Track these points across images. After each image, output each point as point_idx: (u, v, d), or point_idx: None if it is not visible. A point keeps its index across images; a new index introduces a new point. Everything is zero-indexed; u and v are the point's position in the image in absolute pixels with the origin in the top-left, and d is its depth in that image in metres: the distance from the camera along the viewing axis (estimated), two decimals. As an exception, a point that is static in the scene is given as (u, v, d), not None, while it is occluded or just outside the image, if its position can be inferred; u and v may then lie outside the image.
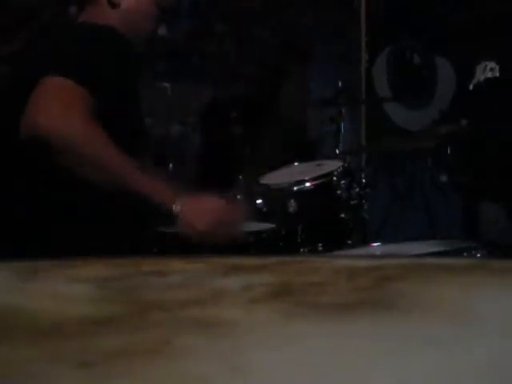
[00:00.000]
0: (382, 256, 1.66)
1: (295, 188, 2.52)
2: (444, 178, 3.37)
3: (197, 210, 1.63)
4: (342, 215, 2.58)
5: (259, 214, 2.51)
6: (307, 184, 2.53)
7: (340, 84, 3.18)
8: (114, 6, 1.84)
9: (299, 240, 2.49)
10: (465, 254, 1.90)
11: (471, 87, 2.73)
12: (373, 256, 1.78)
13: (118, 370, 0.33)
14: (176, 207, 1.60)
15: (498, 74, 2.65)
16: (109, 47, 1.72)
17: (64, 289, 0.51)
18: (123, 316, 0.42)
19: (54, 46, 1.74)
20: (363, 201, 2.65)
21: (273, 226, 2.30)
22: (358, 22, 4.17)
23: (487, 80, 2.68)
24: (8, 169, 1.79)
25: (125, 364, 0.33)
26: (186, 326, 0.40)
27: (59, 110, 1.54)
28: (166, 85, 3.08)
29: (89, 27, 1.79)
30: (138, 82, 1.84)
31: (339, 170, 2.57)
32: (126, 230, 1.79)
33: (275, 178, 2.64)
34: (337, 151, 3.04)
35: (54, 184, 1.72)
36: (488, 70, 2.67)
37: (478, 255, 1.88)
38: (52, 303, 0.46)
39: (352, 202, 2.60)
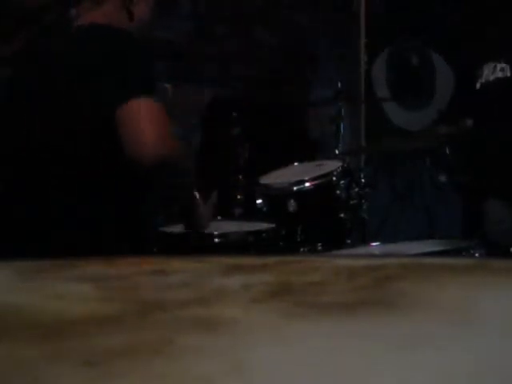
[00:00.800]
0: (382, 256, 1.66)
1: (295, 188, 2.52)
2: (443, 178, 3.37)
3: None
4: (342, 215, 2.58)
5: (259, 214, 2.51)
6: (307, 184, 2.53)
7: (339, 85, 3.18)
8: (131, 16, 1.84)
9: (299, 240, 2.49)
10: (463, 253, 1.90)
11: (478, 86, 2.73)
12: (372, 256, 1.78)
13: (120, 369, 0.33)
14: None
15: (509, 74, 2.66)
16: (151, 59, 1.79)
17: (65, 288, 0.51)
18: (125, 315, 0.42)
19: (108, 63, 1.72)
20: (363, 201, 2.65)
21: (273, 225, 2.30)
22: (357, 23, 4.16)
23: (498, 80, 2.68)
24: (9, 169, 1.80)
25: (126, 363, 0.33)
26: (186, 325, 0.40)
27: (165, 133, 1.65)
28: (167, 85, 3.08)
29: (129, 38, 1.78)
30: None
31: (339, 170, 2.57)
32: (127, 229, 1.79)
33: (275, 178, 2.64)
34: (336, 151, 3.04)
35: (55, 184, 1.72)
36: (498, 70, 2.67)
37: (477, 255, 1.88)
38: (54, 303, 0.46)
39: (351, 202, 2.60)
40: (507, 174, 2.64)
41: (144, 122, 1.62)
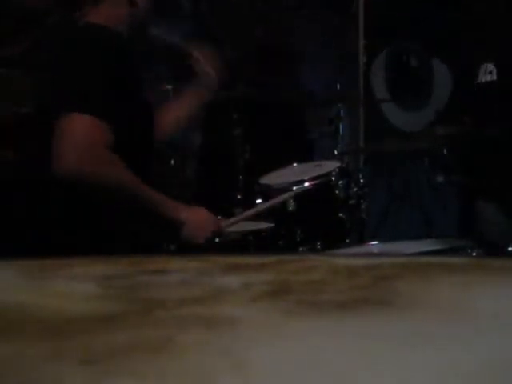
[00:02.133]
0: (380, 255, 1.66)
1: (294, 188, 2.52)
2: (440, 179, 3.37)
3: (197, 221, 1.85)
4: (340, 215, 2.58)
5: (259, 214, 2.51)
6: (306, 184, 2.53)
7: (339, 86, 3.18)
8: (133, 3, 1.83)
9: (298, 239, 2.49)
10: (460, 252, 1.90)
11: (474, 87, 2.73)
12: (371, 255, 1.78)
13: (121, 366, 0.33)
14: (182, 216, 1.80)
15: (495, 78, 2.66)
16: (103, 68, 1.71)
17: (68, 287, 0.51)
18: (126, 314, 0.42)
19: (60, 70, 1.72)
20: (361, 200, 2.65)
21: (272, 225, 2.30)
22: (356, 24, 4.16)
23: (487, 81, 2.68)
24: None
25: (127, 361, 0.33)
26: (187, 323, 0.40)
27: (86, 151, 1.62)
28: (168, 87, 3.08)
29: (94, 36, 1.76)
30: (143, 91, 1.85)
31: (337, 171, 2.58)
32: (128, 229, 1.79)
33: (275, 178, 2.64)
34: (335, 152, 3.04)
35: (57, 185, 1.72)
36: (487, 72, 2.67)
37: (474, 254, 1.88)
38: (56, 301, 0.46)
39: (350, 202, 2.60)
40: (499, 176, 2.64)
41: (66, 136, 1.62)
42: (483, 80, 2.69)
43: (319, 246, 2.49)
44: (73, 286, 0.51)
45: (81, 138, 1.62)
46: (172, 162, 3.02)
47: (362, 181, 2.70)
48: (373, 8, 4.14)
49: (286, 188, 2.53)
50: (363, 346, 0.35)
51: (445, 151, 2.83)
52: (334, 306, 0.42)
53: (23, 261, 0.61)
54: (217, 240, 1.94)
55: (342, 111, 3.14)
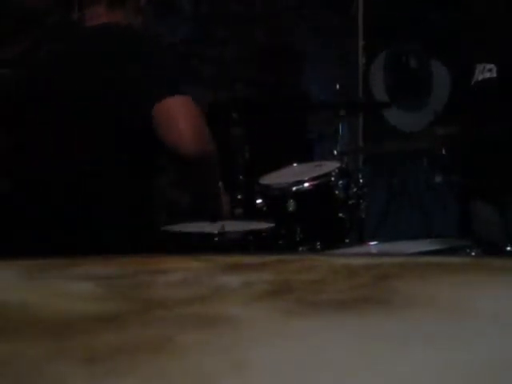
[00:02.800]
0: (380, 254, 1.66)
1: (294, 188, 2.52)
2: (439, 179, 3.37)
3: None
4: (340, 214, 2.58)
5: (259, 214, 2.51)
6: (306, 184, 2.53)
7: (338, 87, 3.18)
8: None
9: (298, 239, 2.49)
10: (459, 252, 1.89)
11: (471, 87, 2.73)
12: (370, 254, 1.78)
13: (122, 365, 0.33)
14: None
15: (495, 75, 2.66)
16: (176, 57, 1.91)
17: (69, 287, 0.51)
18: (127, 313, 0.42)
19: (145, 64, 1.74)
20: (360, 200, 2.65)
21: (272, 225, 2.30)
22: (355, 26, 4.17)
23: (484, 80, 2.68)
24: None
25: (128, 360, 0.33)
26: (187, 322, 0.40)
27: (200, 125, 1.70)
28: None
29: (154, 38, 1.86)
30: None
31: (337, 171, 2.58)
32: (131, 229, 1.79)
33: (275, 179, 2.64)
34: (335, 152, 3.04)
35: (59, 184, 1.72)
36: (486, 70, 2.67)
37: (473, 254, 1.88)
38: (58, 301, 0.46)
39: (349, 202, 2.60)
40: (496, 176, 2.64)
41: (181, 117, 1.66)
42: (480, 78, 2.68)
43: (319, 246, 2.49)
44: (73, 286, 0.51)
45: (195, 114, 1.68)
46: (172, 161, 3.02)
47: (361, 181, 2.70)
48: (372, 9, 4.15)
49: (285, 188, 2.53)
50: (363, 345, 0.35)
51: (444, 151, 2.83)
52: (334, 305, 0.42)
53: (24, 261, 0.61)
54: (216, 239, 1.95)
55: (341, 111, 3.13)
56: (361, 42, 4.17)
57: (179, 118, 1.65)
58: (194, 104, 1.69)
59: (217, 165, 1.83)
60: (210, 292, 0.48)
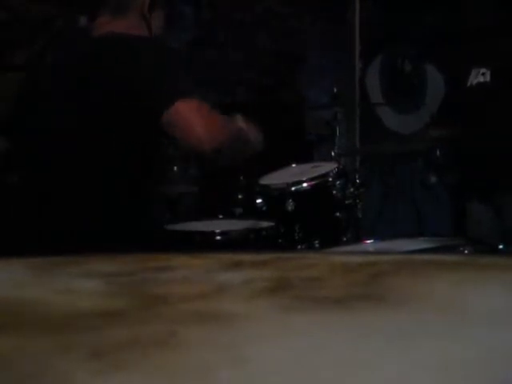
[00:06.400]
0: (376, 252, 1.66)
1: (293, 188, 2.52)
2: (433, 179, 3.37)
3: None
4: (337, 214, 2.59)
5: (259, 213, 2.51)
6: (304, 184, 2.53)
7: (335, 90, 3.18)
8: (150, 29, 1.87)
9: (297, 237, 2.49)
10: (453, 250, 1.89)
11: (465, 91, 2.73)
12: (367, 252, 1.78)
13: (127, 360, 0.33)
14: None
15: (488, 79, 2.66)
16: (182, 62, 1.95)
17: (75, 284, 0.51)
18: (131, 309, 0.42)
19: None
20: (357, 200, 2.65)
21: (272, 224, 2.31)
22: (352, 31, 4.17)
23: (478, 83, 2.68)
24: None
25: (131, 355, 0.33)
26: (190, 319, 0.40)
27: (212, 122, 1.73)
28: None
29: (164, 45, 1.89)
30: None
31: (334, 172, 2.58)
32: (133, 228, 1.79)
33: (274, 179, 2.64)
34: (332, 153, 3.04)
35: (62, 184, 1.72)
36: (480, 74, 2.67)
37: (466, 252, 1.88)
38: (64, 297, 0.46)
39: (347, 202, 2.60)
40: (488, 177, 2.64)
41: (193, 118, 1.69)
42: (474, 82, 2.68)
43: (317, 244, 2.49)
44: (79, 283, 0.51)
45: (205, 114, 1.72)
46: (173, 162, 3.02)
47: (358, 181, 2.71)
48: (369, 14, 4.15)
49: (285, 188, 2.53)
50: (361, 340, 0.35)
51: (438, 152, 2.83)
52: (332, 301, 0.42)
53: (32, 258, 0.61)
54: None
55: (338, 114, 3.14)
56: (357, 47, 4.17)
57: (193, 121, 1.69)
58: (201, 102, 1.73)
59: (242, 137, 1.86)
60: (211, 289, 0.48)
